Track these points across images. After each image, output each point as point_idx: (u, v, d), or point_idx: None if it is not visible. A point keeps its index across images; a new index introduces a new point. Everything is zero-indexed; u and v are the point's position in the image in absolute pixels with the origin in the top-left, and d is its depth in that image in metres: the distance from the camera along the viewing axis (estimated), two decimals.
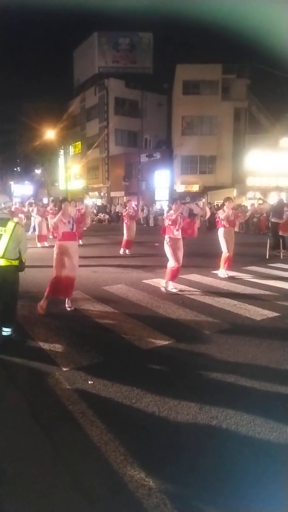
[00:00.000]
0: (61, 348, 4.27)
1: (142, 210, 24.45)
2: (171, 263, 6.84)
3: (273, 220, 11.83)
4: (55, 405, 3.12)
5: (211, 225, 18.34)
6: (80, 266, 6.14)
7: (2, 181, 50.99)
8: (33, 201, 15.78)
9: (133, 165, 33.44)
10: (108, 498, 2.19)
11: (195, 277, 7.82)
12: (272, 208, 12.48)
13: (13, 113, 36.59)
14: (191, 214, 7.26)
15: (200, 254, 10.22)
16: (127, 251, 11.56)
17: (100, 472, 2.38)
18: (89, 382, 3.46)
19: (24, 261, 4.57)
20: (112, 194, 37.90)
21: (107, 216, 30.43)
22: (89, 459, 2.50)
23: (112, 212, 31.02)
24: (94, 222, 24.99)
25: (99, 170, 39.38)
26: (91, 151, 39.14)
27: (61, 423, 2.89)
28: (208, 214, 16.60)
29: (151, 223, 25.83)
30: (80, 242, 6.28)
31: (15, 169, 50.46)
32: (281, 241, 11.16)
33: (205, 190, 29.79)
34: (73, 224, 5.68)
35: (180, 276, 7.18)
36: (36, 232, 13.78)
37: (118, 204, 34.35)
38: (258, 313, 5.49)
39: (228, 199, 8.49)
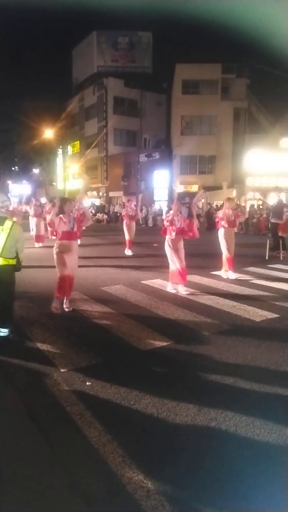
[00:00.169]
0: (59, 349, 4.25)
1: (141, 210, 24.42)
2: (172, 266, 6.82)
3: (272, 220, 11.83)
4: (53, 406, 3.10)
5: (210, 225, 18.36)
6: (78, 266, 6.12)
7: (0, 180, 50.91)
8: (32, 200, 15.68)
9: (132, 165, 33.40)
10: (107, 499, 2.18)
11: (194, 277, 7.81)
12: (272, 208, 12.48)
13: (11, 112, 36.50)
14: (190, 215, 7.22)
15: (199, 254, 10.21)
16: (129, 251, 11.54)
17: (98, 473, 2.37)
18: (87, 383, 3.45)
19: (21, 260, 4.55)
20: (111, 194, 37.87)
21: (105, 216, 30.40)
22: (87, 460, 2.49)
23: (111, 212, 30.99)
24: (92, 222, 24.94)
25: (98, 169, 39.34)
26: (90, 151, 39.09)
27: (59, 424, 2.88)
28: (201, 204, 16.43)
29: (150, 223, 25.82)
30: (79, 241, 6.26)
31: (13, 168, 50.37)
32: (280, 242, 11.15)
33: (204, 190, 29.76)
34: (73, 224, 5.67)
35: None
36: (34, 232, 13.72)
37: (117, 204, 34.35)
38: (258, 314, 5.48)
39: (228, 199, 8.48)
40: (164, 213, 16.88)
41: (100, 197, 39.18)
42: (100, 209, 32.79)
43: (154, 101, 37.79)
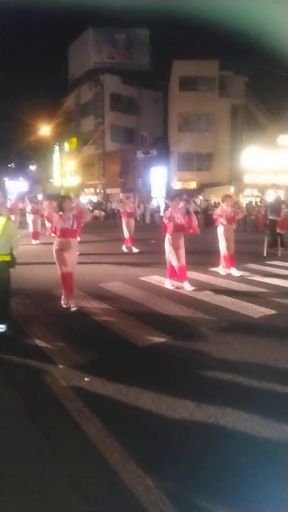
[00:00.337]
0: (57, 345, 4.24)
1: (139, 207, 24.38)
2: (171, 263, 6.82)
3: (271, 217, 11.82)
4: (52, 402, 3.09)
5: (207, 222, 18.35)
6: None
7: None
8: (26, 199, 15.66)
9: (129, 162, 33.30)
10: (106, 495, 2.17)
11: (192, 274, 7.79)
12: (270, 205, 12.48)
13: (7, 109, 36.35)
14: (188, 212, 7.21)
15: (196, 251, 10.19)
16: (133, 248, 11.51)
17: (97, 470, 2.36)
18: (86, 379, 3.44)
19: (15, 257, 4.53)
20: (108, 190, 37.75)
21: (103, 213, 30.32)
22: (86, 457, 2.48)
23: (108, 209, 30.92)
24: (90, 218, 24.89)
25: (95, 166, 39.18)
26: (87, 147, 38.93)
27: (57, 421, 2.87)
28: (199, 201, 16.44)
29: (148, 220, 25.78)
30: (78, 239, 6.25)
31: (10, 165, 50.18)
32: (278, 238, 11.15)
33: (202, 187, 29.76)
34: (73, 221, 5.63)
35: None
36: (31, 229, 13.69)
37: (114, 200, 34.27)
38: (256, 311, 5.48)
39: (227, 196, 8.46)
40: (162, 210, 16.85)
41: (97, 194, 39.07)
42: (97, 206, 32.69)
43: (151, 98, 37.64)
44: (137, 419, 2.89)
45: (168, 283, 6.93)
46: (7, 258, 4.40)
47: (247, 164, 26.51)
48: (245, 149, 27.05)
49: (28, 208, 14.07)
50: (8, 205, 14.85)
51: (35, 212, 13.80)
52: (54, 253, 5.66)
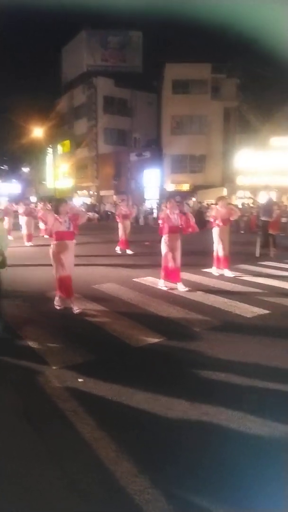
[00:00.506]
0: (51, 346, 4.23)
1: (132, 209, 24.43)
2: (166, 264, 6.84)
3: (263, 218, 11.91)
4: (46, 403, 3.09)
5: (200, 223, 18.37)
6: None
7: None
8: (24, 199, 15.67)
9: (123, 164, 33.35)
10: (100, 494, 2.18)
11: (185, 275, 7.81)
12: (262, 206, 12.58)
13: (0, 111, 36.21)
14: (182, 212, 7.24)
15: (189, 252, 10.22)
16: (127, 251, 11.52)
17: (91, 469, 2.36)
18: (80, 380, 3.44)
19: (5, 258, 4.51)
20: (102, 193, 37.73)
21: (96, 215, 30.30)
22: (81, 457, 2.49)
23: (102, 211, 30.91)
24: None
25: (88, 168, 39.15)
26: (80, 150, 38.89)
27: (52, 421, 2.87)
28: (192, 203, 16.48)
29: (141, 222, 25.81)
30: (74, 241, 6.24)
31: (2, 167, 49.95)
32: (271, 239, 11.25)
33: (195, 189, 29.89)
34: (69, 223, 5.61)
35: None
36: (24, 231, 13.65)
37: (107, 202, 34.25)
38: (249, 311, 5.52)
39: (221, 198, 8.52)
40: (156, 212, 16.89)
41: (90, 196, 39.03)
42: (90, 208, 32.66)
43: (144, 100, 37.72)
44: (132, 419, 2.90)
45: (161, 284, 6.96)
46: None
47: (240, 166, 26.70)
48: (237, 151, 27.25)
49: (21, 210, 14.03)
50: (2, 206, 14.81)
51: (28, 214, 13.77)
52: (51, 256, 5.61)
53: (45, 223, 5.68)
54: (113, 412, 2.98)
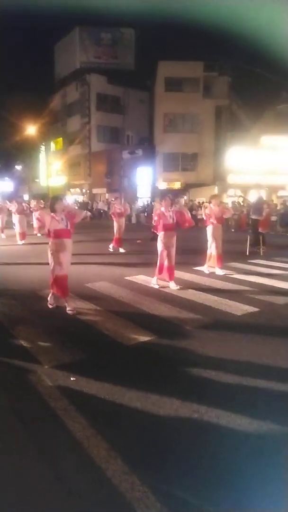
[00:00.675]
0: (42, 345, 4.24)
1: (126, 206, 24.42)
2: (161, 261, 6.87)
3: (253, 217, 12.02)
4: (37, 402, 3.10)
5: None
6: None
7: None
8: (17, 197, 15.60)
9: (115, 162, 33.27)
10: (91, 492, 2.20)
11: (176, 273, 7.83)
12: (252, 205, 12.68)
13: None
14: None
15: (180, 250, 10.27)
16: (120, 249, 11.51)
17: (83, 467, 2.38)
18: (71, 379, 3.45)
19: None
20: (94, 190, 37.62)
21: (89, 213, 30.19)
22: (71, 454, 2.51)
23: (94, 209, 30.82)
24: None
25: (81, 166, 38.99)
26: (73, 147, 38.70)
27: (43, 420, 2.88)
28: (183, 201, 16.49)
29: (133, 220, 25.81)
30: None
31: None
32: (261, 237, 11.35)
33: (186, 188, 29.97)
34: (66, 221, 5.57)
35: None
36: (18, 230, 13.59)
37: (100, 200, 34.16)
38: (239, 309, 5.58)
39: (214, 196, 8.56)
40: (152, 210, 16.91)
41: (83, 194, 38.90)
42: (83, 206, 32.56)
43: (137, 98, 37.64)
44: (123, 417, 2.92)
45: (154, 281, 6.98)
46: None
47: (231, 165, 26.83)
48: (229, 150, 27.36)
49: (13, 208, 13.97)
50: None
51: (21, 212, 13.72)
52: (49, 255, 5.55)
53: (43, 224, 5.59)
54: (104, 411, 3.00)
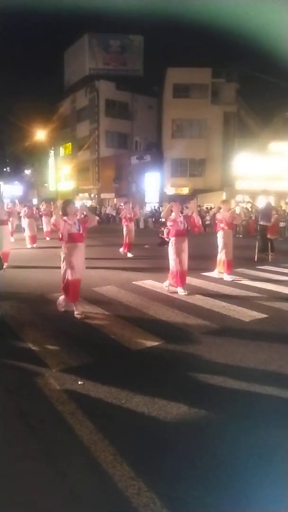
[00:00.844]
0: (50, 349, 4.25)
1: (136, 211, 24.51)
2: (172, 267, 6.83)
3: (261, 223, 11.95)
4: (44, 405, 3.10)
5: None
6: None
7: None
8: (16, 202, 15.73)
9: (124, 167, 33.47)
10: (98, 497, 2.19)
11: None
12: (261, 211, 12.63)
13: (2, 113, 36.32)
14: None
15: (189, 256, 10.26)
16: (128, 254, 11.54)
17: (89, 472, 2.38)
18: (79, 383, 3.46)
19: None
20: (103, 195, 37.85)
21: (97, 218, 30.34)
22: (78, 459, 2.50)
23: (102, 214, 30.98)
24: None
25: (90, 171, 39.29)
26: (82, 153, 39.02)
27: (50, 424, 2.88)
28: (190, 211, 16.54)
29: (141, 225, 25.87)
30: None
31: (5, 169, 50.05)
32: (269, 244, 11.28)
33: (194, 193, 29.98)
34: (79, 225, 5.58)
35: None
36: (27, 233, 13.70)
37: (108, 205, 34.32)
38: (247, 315, 5.55)
39: (225, 202, 8.56)
40: (159, 215, 16.94)
41: (91, 199, 39.14)
42: (91, 210, 32.74)
43: (145, 104, 37.93)
44: (130, 422, 2.92)
45: (166, 284, 6.97)
46: None
47: (239, 170, 26.80)
48: (237, 156, 27.35)
49: (22, 212, 14.10)
50: (6, 208, 14.86)
51: (30, 216, 13.83)
52: (62, 259, 5.54)
53: (58, 229, 5.57)
54: (111, 415, 3.00)
